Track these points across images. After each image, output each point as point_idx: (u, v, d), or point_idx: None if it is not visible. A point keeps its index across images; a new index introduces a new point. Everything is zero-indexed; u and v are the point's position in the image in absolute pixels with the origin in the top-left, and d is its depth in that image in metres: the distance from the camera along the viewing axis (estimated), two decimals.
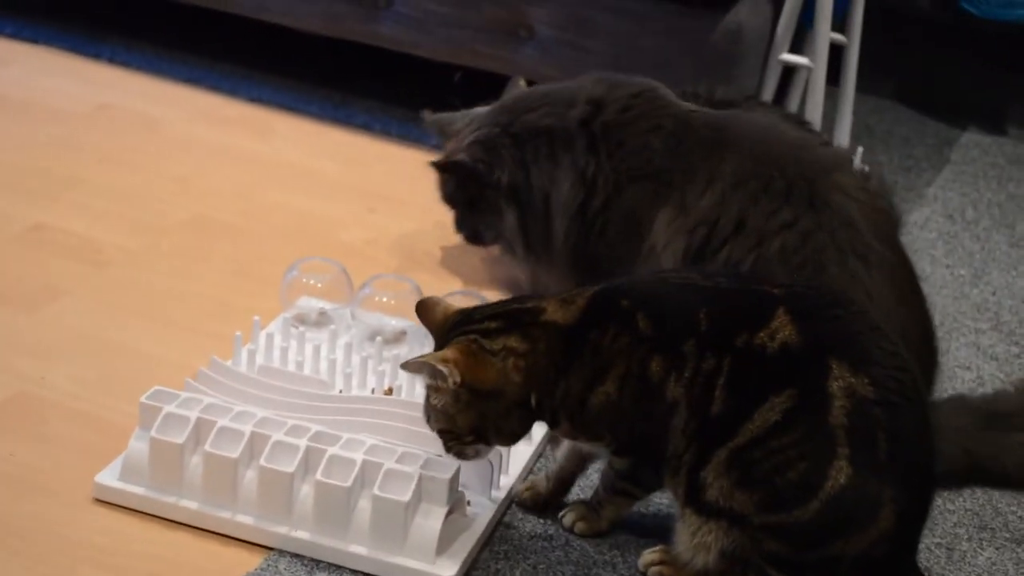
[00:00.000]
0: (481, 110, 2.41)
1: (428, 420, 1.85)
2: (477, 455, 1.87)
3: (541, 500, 2.00)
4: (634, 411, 1.80)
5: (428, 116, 2.48)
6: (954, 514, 2.11)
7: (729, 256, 2.11)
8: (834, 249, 2.09)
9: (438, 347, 1.85)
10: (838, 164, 2.18)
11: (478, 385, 1.79)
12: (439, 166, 2.36)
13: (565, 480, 2.00)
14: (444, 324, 1.86)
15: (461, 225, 2.45)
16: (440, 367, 1.78)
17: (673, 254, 2.15)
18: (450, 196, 2.43)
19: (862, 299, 2.05)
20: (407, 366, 1.82)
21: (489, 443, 1.85)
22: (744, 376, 1.75)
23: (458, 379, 1.78)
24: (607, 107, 2.26)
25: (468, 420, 1.81)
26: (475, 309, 1.88)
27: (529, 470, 2.10)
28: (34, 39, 3.40)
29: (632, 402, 1.79)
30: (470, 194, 2.34)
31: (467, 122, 2.40)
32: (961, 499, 2.14)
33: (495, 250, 2.54)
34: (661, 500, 2.01)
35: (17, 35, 3.40)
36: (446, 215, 2.56)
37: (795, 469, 1.71)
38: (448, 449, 1.85)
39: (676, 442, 1.79)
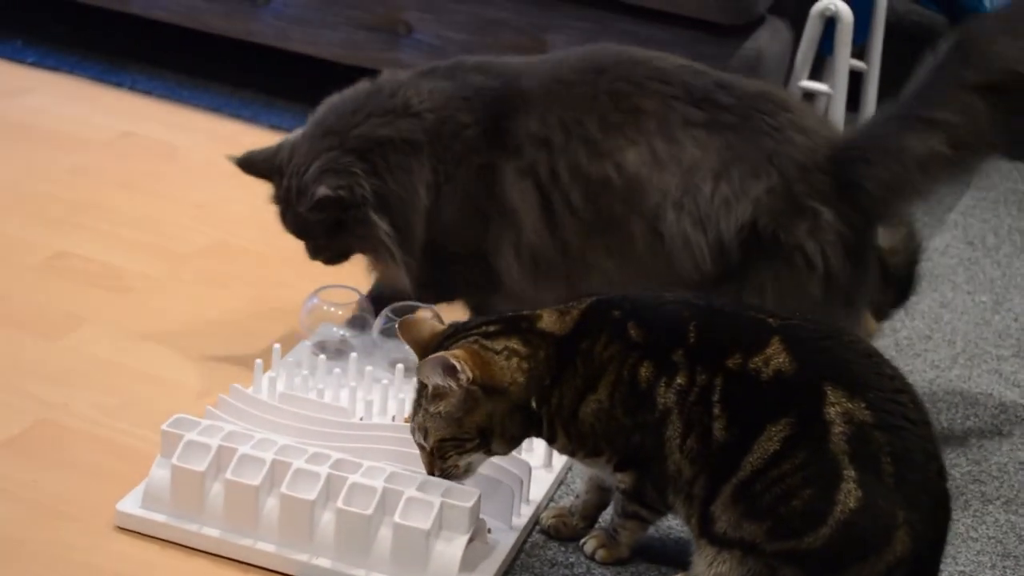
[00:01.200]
0: (294, 137, 2.33)
1: (424, 436, 1.85)
2: (468, 471, 1.88)
3: (566, 532, 2.01)
4: (626, 419, 1.82)
5: (233, 157, 2.35)
6: (977, 541, 2.10)
7: (576, 162, 2.19)
8: (632, 85, 2.22)
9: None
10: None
11: (488, 382, 1.81)
12: (315, 206, 2.25)
13: (589, 515, 2.01)
14: (431, 339, 1.88)
15: (322, 250, 2.34)
16: (454, 362, 1.79)
17: (527, 188, 2.23)
18: (306, 227, 2.31)
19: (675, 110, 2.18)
20: (422, 367, 1.82)
21: (491, 448, 1.85)
22: (740, 402, 1.77)
23: (470, 375, 1.79)
24: (425, 111, 2.28)
25: (476, 421, 1.82)
26: (468, 320, 1.92)
27: (550, 497, 2.09)
28: (56, 67, 3.41)
29: (624, 410, 1.81)
30: (334, 218, 2.28)
31: (289, 153, 2.30)
32: (984, 527, 2.14)
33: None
34: (682, 527, 2.00)
35: (39, 63, 3.42)
36: None
37: (799, 497, 1.72)
38: (443, 461, 1.86)
39: (677, 461, 1.80)
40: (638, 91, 2.21)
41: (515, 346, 1.84)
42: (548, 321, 1.86)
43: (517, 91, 2.26)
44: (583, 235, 2.21)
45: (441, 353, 1.82)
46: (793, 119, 2.19)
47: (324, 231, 2.30)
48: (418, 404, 1.86)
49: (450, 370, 1.80)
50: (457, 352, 1.82)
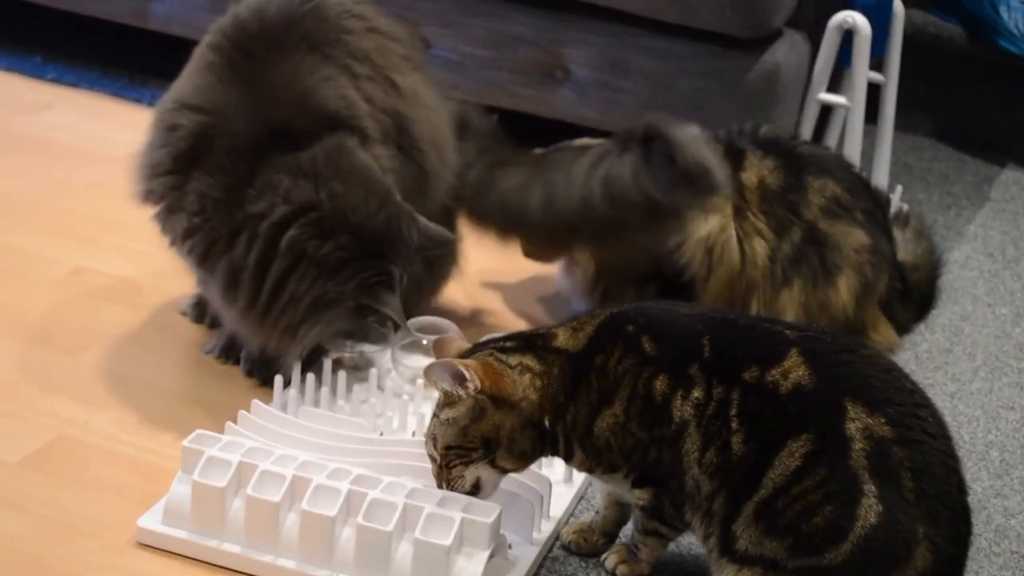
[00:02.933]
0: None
1: (434, 444, 1.86)
2: (477, 489, 1.88)
3: (587, 547, 2.00)
4: (642, 433, 1.82)
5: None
6: (1000, 556, 2.09)
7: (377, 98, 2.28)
8: (317, 22, 2.28)
9: None
10: None
11: (498, 393, 1.82)
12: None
13: (609, 531, 2.01)
14: (459, 356, 1.89)
15: None
16: (463, 370, 1.81)
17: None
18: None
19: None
20: (429, 371, 1.84)
21: (496, 462, 1.85)
22: (759, 416, 1.77)
23: (479, 384, 1.81)
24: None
25: (481, 431, 1.83)
26: (488, 338, 1.94)
27: (571, 513, 2.09)
28: (76, 83, 3.43)
29: (639, 424, 1.82)
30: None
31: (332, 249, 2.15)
32: (1006, 541, 2.13)
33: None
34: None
35: (59, 80, 3.44)
36: (485, 259, 2.58)
37: (820, 514, 1.72)
38: (448, 472, 1.86)
39: (696, 476, 1.79)
40: (323, 27, 2.27)
41: (529, 363, 1.85)
42: (563, 338, 1.87)
43: (297, 85, 2.23)
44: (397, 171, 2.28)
45: (450, 359, 1.83)
46: (413, 57, 2.41)
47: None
48: (434, 415, 1.87)
49: (459, 377, 1.82)
50: (468, 361, 1.84)
